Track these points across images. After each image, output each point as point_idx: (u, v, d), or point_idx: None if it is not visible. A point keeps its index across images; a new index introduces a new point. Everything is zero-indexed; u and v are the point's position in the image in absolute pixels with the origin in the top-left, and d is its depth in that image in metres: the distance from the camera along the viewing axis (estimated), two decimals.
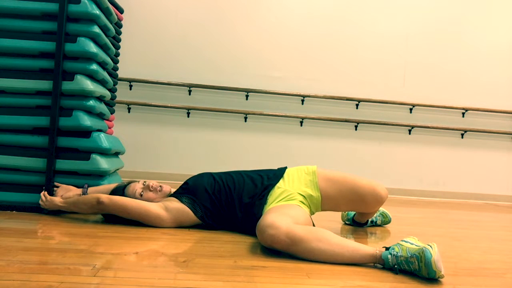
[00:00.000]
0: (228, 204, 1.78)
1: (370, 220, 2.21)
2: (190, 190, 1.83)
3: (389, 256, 1.32)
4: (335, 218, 2.42)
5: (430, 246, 1.24)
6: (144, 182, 1.90)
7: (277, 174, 1.87)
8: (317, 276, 1.23)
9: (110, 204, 1.72)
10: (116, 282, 1.06)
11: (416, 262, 1.26)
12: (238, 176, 1.87)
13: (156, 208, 1.75)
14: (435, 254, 1.22)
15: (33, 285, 1.00)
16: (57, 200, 1.87)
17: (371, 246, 1.40)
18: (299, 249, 1.38)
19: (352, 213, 2.23)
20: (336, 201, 1.84)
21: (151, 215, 1.74)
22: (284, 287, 1.12)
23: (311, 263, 1.36)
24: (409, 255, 1.28)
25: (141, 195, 1.83)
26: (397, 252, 1.32)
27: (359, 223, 2.18)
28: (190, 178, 1.92)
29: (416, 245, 1.31)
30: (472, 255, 1.69)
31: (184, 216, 1.77)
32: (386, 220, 2.26)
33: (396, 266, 1.31)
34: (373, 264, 1.38)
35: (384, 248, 1.37)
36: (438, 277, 1.24)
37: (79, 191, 1.97)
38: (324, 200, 1.82)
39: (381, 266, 1.36)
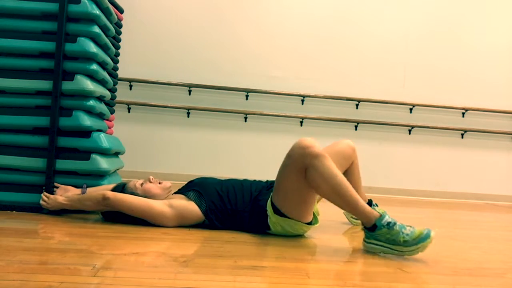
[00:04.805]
0: (235, 197, 1.83)
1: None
2: (197, 186, 1.88)
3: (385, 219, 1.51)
4: (335, 218, 2.42)
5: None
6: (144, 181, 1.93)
7: None
8: (317, 276, 1.23)
9: (115, 200, 1.74)
10: (116, 282, 1.06)
11: (411, 234, 1.46)
12: (243, 180, 1.97)
13: (160, 205, 1.77)
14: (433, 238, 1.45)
15: (33, 285, 1.00)
16: (61, 198, 1.88)
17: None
18: (319, 165, 1.59)
19: None
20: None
21: (154, 212, 1.76)
22: (284, 287, 1.12)
23: (311, 263, 1.36)
24: (408, 230, 1.48)
25: (141, 185, 1.86)
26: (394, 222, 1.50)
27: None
28: (196, 179, 1.98)
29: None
30: (472, 255, 1.69)
31: (187, 212, 1.78)
32: None
33: (387, 224, 1.48)
34: (362, 225, 1.57)
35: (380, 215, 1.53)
36: (418, 250, 1.44)
37: (78, 191, 1.97)
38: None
39: (368, 232, 1.53)
